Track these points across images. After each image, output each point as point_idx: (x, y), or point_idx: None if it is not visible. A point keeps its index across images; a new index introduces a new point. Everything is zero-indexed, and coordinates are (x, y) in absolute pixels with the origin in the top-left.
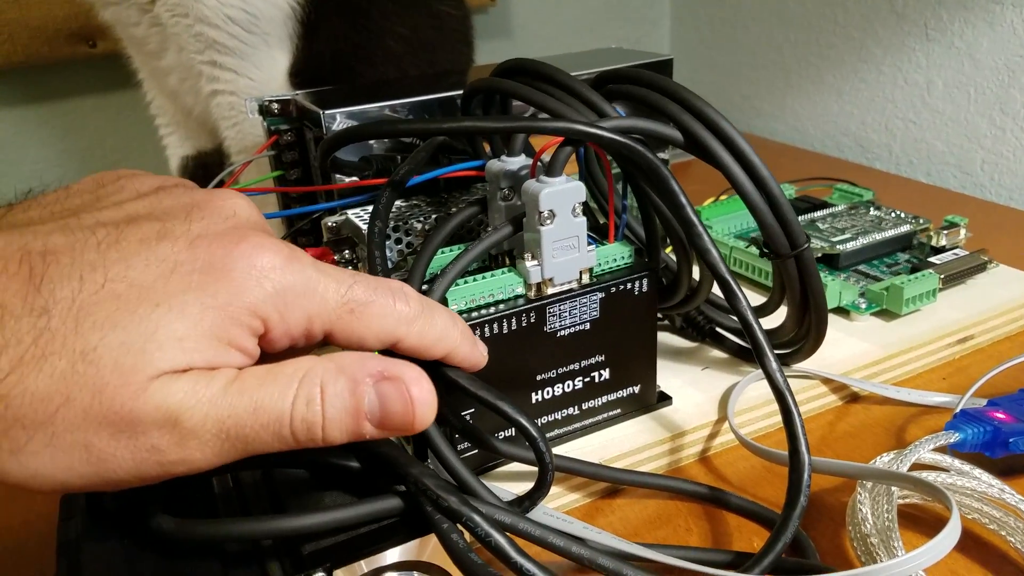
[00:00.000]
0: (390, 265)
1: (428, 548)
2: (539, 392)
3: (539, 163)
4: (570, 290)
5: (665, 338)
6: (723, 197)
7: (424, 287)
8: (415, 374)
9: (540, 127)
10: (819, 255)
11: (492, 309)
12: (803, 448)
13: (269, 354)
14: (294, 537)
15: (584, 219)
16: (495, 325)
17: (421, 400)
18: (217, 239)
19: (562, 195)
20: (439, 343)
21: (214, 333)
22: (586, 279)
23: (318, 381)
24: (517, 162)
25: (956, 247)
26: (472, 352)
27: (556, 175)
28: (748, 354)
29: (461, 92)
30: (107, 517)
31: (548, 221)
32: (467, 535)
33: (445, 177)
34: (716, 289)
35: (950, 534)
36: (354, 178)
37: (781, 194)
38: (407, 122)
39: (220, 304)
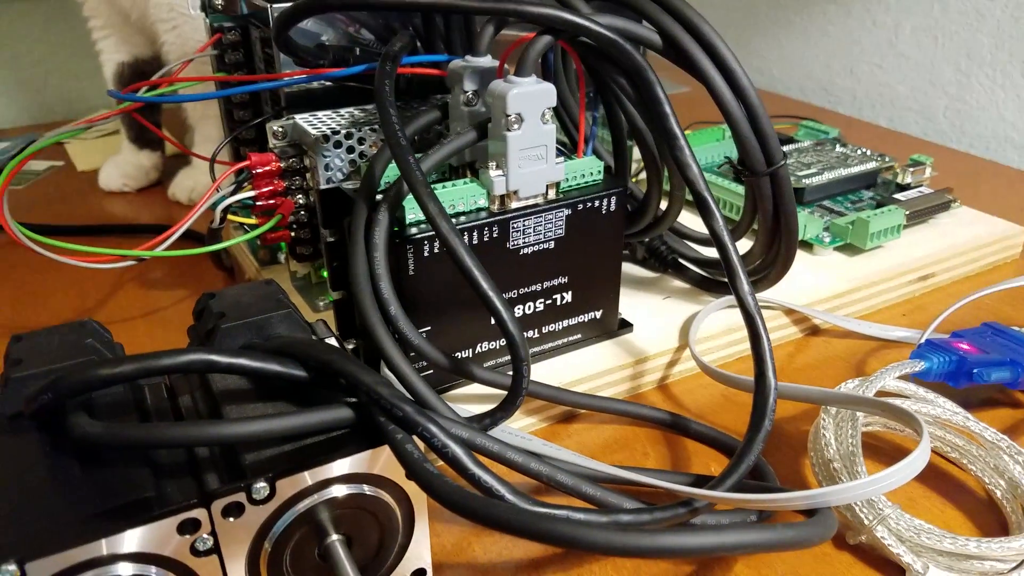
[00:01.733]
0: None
1: (380, 461)
2: None
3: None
4: (535, 204)
5: (627, 269)
6: (688, 131)
7: (378, 196)
8: None
9: (525, 11)
10: None
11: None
12: (770, 372)
13: None
14: (233, 445)
15: (554, 127)
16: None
17: None
18: None
19: (532, 97)
20: None
21: None
22: (552, 194)
23: None
24: (483, 62)
25: (921, 185)
26: None
27: (526, 75)
28: (710, 284)
29: None
30: (27, 424)
31: (515, 126)
32: (422, 447)
33: (404, 74)
34: (681, 218)
35: (920, 456)
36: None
37: (761, 105)
38: None
39: None
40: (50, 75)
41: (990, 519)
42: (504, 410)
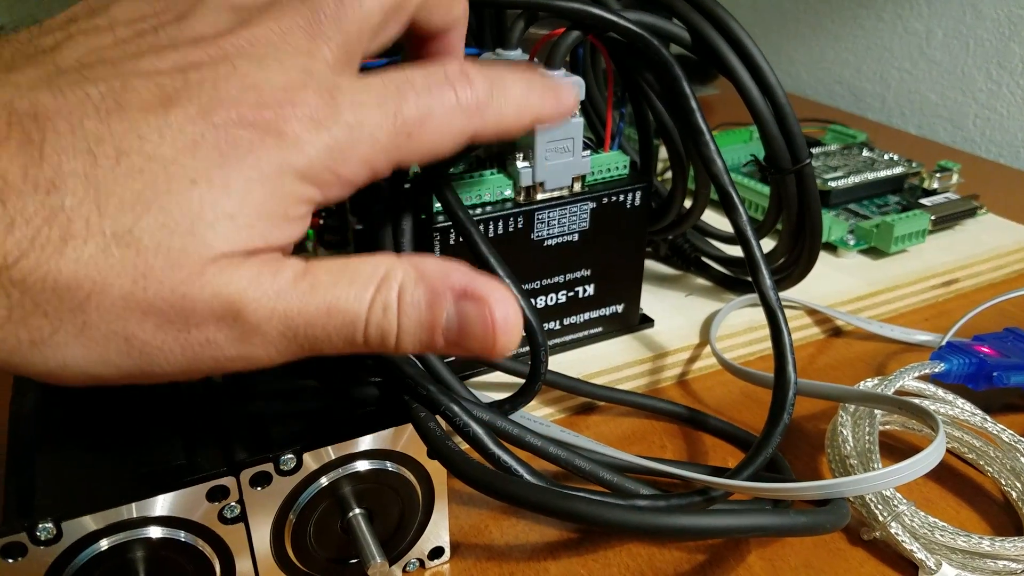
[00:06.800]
0: None
1: (402, 439)
2: None
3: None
4: (561, 197)
5: (650, 265)
6: (715, 132)
7: (406, 185)
8: (502, 295)
9: (555, 5)
10: None
11: (479, 211)
12: (790, 367)
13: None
14: (262, 418)
15: (581, 120)
16: (480, 228)
17: (504, 327)
18: (234, 105)
19: None
20: (521, 117)
21: (268, 208)
22: (578, 187)
23: (396, 286)
24: (513, 55)
25: (948, 191)
26: (559, 105)
27: (556, 67)
28: (732, 283)
29: None
30: (60, 392)
31: None
32: (444, 426)
33: None
34: (705, 217)
35: (935, 451)
36: None
37: (788, 104)
38: None
39: (266, 176)
40: None
41: (1005, 520)
42: (523, 395)
